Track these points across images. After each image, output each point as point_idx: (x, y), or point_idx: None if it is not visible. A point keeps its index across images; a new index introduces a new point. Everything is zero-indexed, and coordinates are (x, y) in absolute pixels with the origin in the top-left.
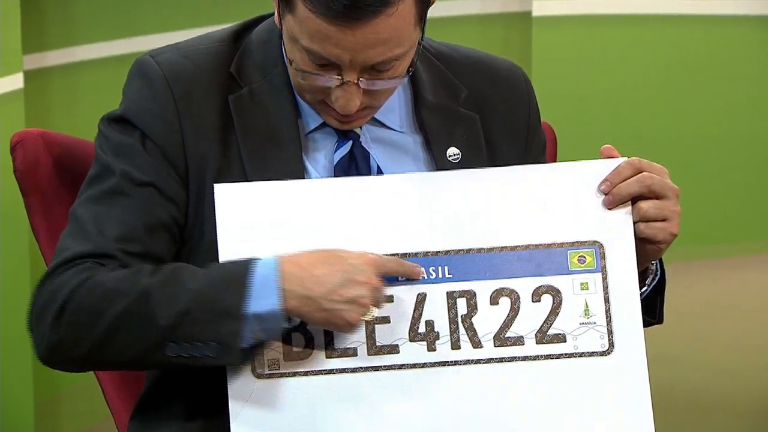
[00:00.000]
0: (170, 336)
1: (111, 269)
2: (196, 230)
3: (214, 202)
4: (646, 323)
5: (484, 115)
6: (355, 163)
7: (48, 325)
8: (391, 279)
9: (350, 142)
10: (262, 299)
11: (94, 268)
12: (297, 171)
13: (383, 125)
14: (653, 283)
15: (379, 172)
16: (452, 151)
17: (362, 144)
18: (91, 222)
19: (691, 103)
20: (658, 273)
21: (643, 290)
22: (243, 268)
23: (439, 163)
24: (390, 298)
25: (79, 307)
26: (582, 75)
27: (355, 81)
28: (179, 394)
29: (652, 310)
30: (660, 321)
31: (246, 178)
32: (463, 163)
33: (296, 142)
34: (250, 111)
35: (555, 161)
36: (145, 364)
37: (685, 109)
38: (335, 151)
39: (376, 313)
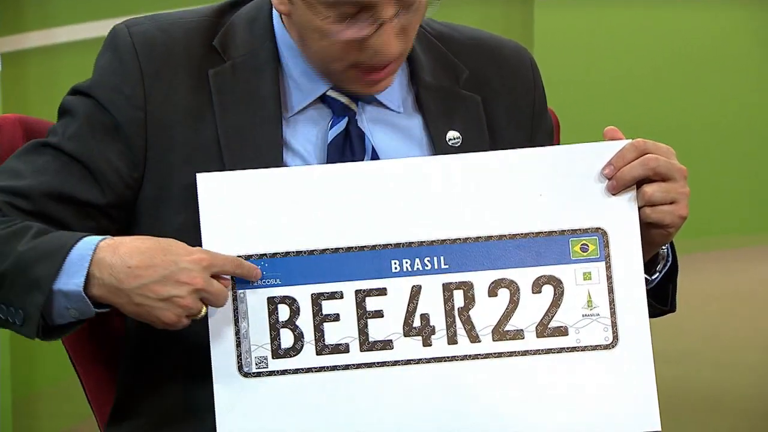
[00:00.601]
0: None
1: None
2: (157, 214)
3: (183, 186)
4: (659, 312)
5: (486, 98)
6: (350, 142)
7: None
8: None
9: (346, 120)
10: (70, 278)
11: None
12: (276, 152)
13: (381, 104)
14: (665, 269)
15: (374, 153)
16: (452, 135)
17: (358, 124)
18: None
19: (701, 87)
20: (670, 258)
21: (654, 277)
22: (66, 242)
23: (438, 146)
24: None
25: None
26: (586, 58)
27: (393, 15)
28: (158, 395)
29: (665, 297)
30: (673, 309)
31: (221, 159)
32: (464, 148)
33: (277, 121)
34: (231, 86)
35: None
36: None
37: (695, 93)
38: (330, 129)
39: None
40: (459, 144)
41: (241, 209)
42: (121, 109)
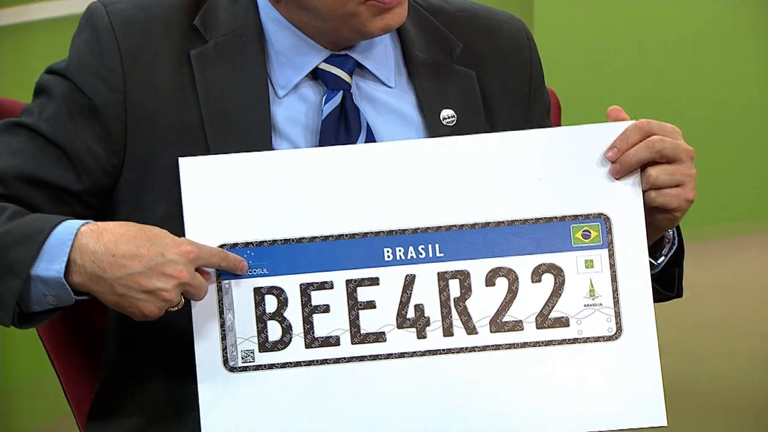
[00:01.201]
0: None
1: None
2: (137, 202)
3: (167, 171)
4: (665, 297)
5: (481, 73)
6: (345, 118)
7: None
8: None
9: (340, 94)
10: (50, 263)
11: None
12: (265, 135)
13: (376, 78)
14: (670, 254)
15: (369, 130)
16: (446, 113)
17: (354, 99)
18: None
19: (707, 67)
20: (676, 242)
21: (659, 261)
22: (44, 226)
23: (431, 126)
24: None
25: None
26: (588, 37)
27: None
28: (140, 391)
29: (671, 282)
30: (679, 294)
31: (206, 142)
32: (459, 127)
33: (265, 102)
34: (214, 67)
35: None
36: None
37: (700, 73)
38: (324, 104)
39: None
40: (454, 123)
41: (226, 195)
42: (99, 91)
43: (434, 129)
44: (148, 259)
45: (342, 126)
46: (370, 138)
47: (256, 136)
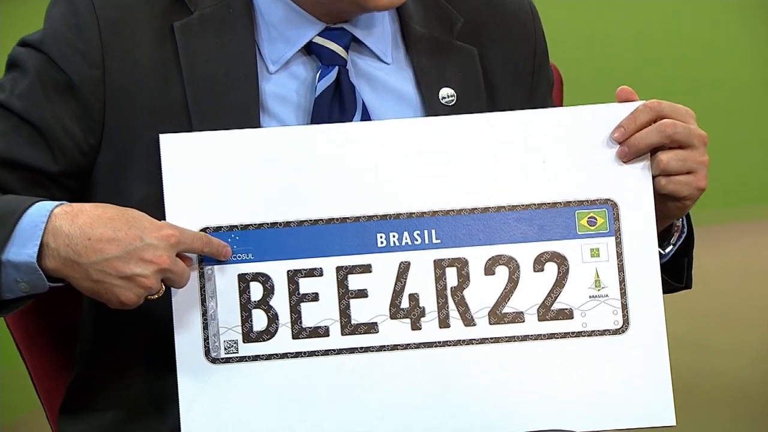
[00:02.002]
0: None
1: None
2: (116, 185)
3: (146, 153)
4: (673, 288)
5: (483, 49)
6: (340, 96)
7: None
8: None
9: (336, 71)
10: (21, 247)
11: None
12: (252, 113)
13: (373, 54)
14: (679, 242)
15: (365, 109)
16: (446, 93)
17: (349, 76)
18: None
19: (720, 41)
20: (685, 230)
21: (667, 250)
22: (16, 207)
23: (429, 106)
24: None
25: None
26: (591, 9)
27: None
28: (116, 384)
29: (679, 273)
30: (688, 286)
31: (189, 122)
32: (459, 106)
33: (254, 78)
34: (199, 40)
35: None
36: None
37: (712, 48)
38: (318, 81)
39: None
40: (453, 102)
41: (210, 175)
42: (76, 66)
43: (432, 108)
44: (126, 243)
45: (336, 105)
46: (366, 118)
47: (244, 114)
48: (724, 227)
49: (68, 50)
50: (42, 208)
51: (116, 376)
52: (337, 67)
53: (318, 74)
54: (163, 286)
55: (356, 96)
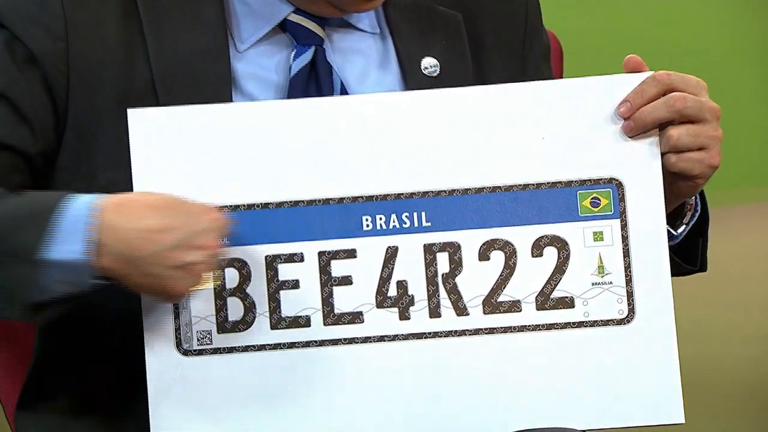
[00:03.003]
0: None
1: None
2: (77, 169)
3: (111, 136)
4: (686, 271)
5: (468, 14)
6: (316, 77)
7: None
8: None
9: (312, 50)
10: (66, 245)
11: None
12: (224, 90)
13: (352, 26)
14: (692, 222)
15: (344, 90)
16: (428, 62)
17: (326, 56)
18: None
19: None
20: (698, 209)
21: (679, 231)
22: (52, 203)
23: (410, 77)
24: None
25: None
26: None
27: None
28: (80, 377)
29: (693, 254)
30: (703, 268)
31: (157, 101)
32: (442, 78)
33: (224, 54)
34: (165, 12)
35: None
36: None
37: (723, 15)
38: (293, 60)
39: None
40: (437, 73)
41: (181, 152)
42: (39, 40)
43: (414, 80)
44: (179, 231)
45: (313, 85)
46: None
47: (214, 94)
48: (741, 208)
49: (30, 23)
50: (82, 202)
51: (79, 369)
52: (313, 47)
53: (293, 54)
54: (211, 277)
55: (333, 76)
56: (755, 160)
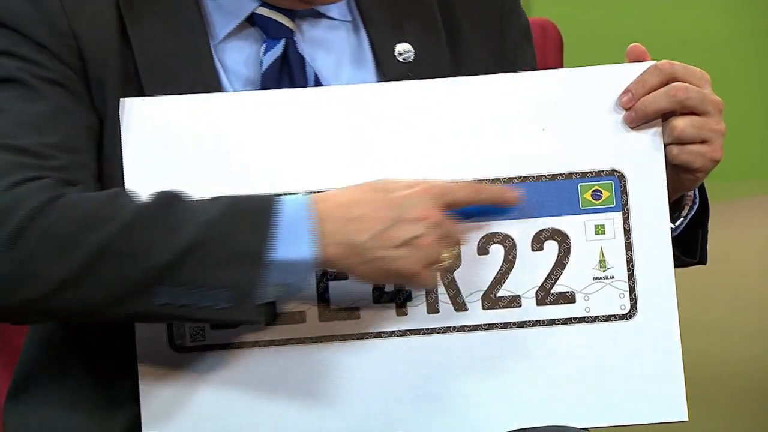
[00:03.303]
0: (166, 277)
1: (82, 189)
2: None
3: (115, 128)
4: (686, 264)
5: None
6: (289, 70)
7: None
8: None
9: (282, 43)
10: (292, 244)
11: (56, 186)
12: (213, 80)
13: (325, 16)
14: (691, 214)
15: (318, 82)
16: (402, 48)
17: (297, 48)
18: (19, 126)
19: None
20: (697, 201)
21: (678, 223)
22: (265, 205)
23: (384, 64)
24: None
25: (44, 234)
26: None
27: None
28: (69, 372)
29: (692, 246)
30: (702, 261)
31: (143, 94)
32: (418, 63)
33: (206, 52)
34: (144, 12)
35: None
36: (117, 313)
37: (722, 3)
38: (263, 54)
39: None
40: (412, 58)
41: (173, 143)
42: (51, 40)
43: (388, 67)
44: (390, 210)
45: (286, 79)
46: None
47: (200, 85)
48: (745, 201)
49: (35, 25)
50: (294, 201)
51: (69, 364)
52: (283, 40)
53: (263, 48)
54: (447, 252)
55: (306, 68)
56: (758, 153)
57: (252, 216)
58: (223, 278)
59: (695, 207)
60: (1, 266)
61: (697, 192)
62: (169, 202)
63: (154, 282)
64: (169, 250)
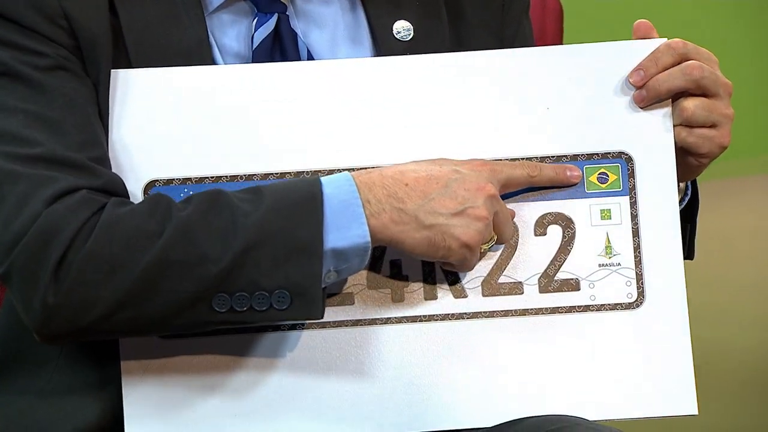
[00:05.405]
0: (223, 283)
1: (119, 202)
2: None
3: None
4: None
5: None
6: (281, 46)
7: (43, 284)
8: None
9: (274, 18)
10: (345, 229)
11: (92, 199)
12: (205, 53)
13: None
14: (682, 206)
15: (310, 59)
16: (401, 26)
17: (290, 22)
18: (31, 128)
19: None
20: (689, 194)
21: None
22: (311, 190)
23: (381, 42)
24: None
25: (90, 257)
26: None
27: None
28: (48, 357)
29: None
30: (689, 257)
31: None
32: (416, 42)
33: (200, 18)
34: None
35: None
36: (178, 326)
37: None
38: (255, 30)
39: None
40: (410, 36)
41: (165, 118)
42: (46, 25)
43: (386, 45)
44: (445, 178)
45: (278, 56)
46: None
47: (195, 55)
48: (756, 178)
49: (26, 9)
50: (335, 179)
51: (48, 349)
52: (275, 14)
53: (254, 23)
54: (494, 236)
55: (299, 44)
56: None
57: (300, 206)
58: (283, 277)
59: (687, 198)
60: (49, 298)
61: (689, 184)
62: (213, 203)
63: (211, 291)
64: (223, 256)
